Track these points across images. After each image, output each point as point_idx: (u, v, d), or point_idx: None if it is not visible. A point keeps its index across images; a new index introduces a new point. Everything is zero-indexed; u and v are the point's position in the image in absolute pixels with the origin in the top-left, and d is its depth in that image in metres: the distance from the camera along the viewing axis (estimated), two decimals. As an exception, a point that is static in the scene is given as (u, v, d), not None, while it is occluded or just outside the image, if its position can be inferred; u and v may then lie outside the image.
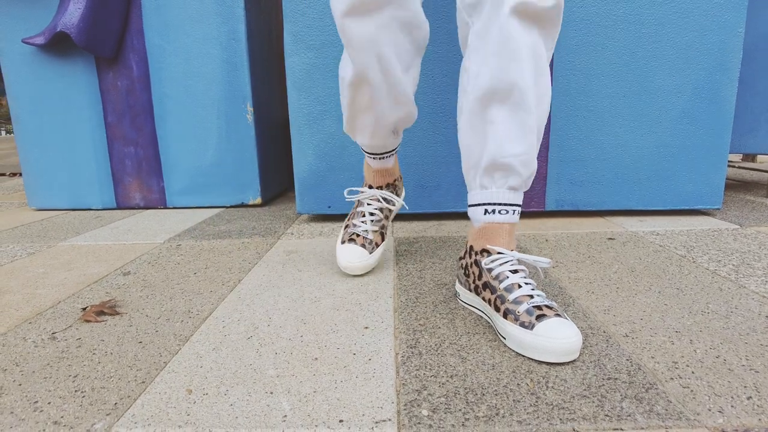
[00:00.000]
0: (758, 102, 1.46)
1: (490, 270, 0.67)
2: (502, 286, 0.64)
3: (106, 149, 1.56)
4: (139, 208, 1.61)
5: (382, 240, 0.90)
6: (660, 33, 1.17)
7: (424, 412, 0.47)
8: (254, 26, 1.50)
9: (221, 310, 0.74)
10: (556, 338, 0.55)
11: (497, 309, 0.63)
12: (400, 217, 1.35)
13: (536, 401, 0.48)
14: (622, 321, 0.66)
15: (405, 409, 0.48)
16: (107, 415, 0.48)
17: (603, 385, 0.51)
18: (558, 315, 0.58)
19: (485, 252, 0.68)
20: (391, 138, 0.85)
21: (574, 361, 0.55)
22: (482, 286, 0.67)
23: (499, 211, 0.69)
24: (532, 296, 0.61)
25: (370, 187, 0.91)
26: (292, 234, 1.19)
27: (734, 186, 1.82)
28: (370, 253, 0.86)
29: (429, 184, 1.26)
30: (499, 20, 0.62)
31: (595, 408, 0.47)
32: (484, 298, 0.67)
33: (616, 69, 1.19)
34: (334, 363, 0.57)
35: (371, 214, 0.89)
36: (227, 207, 1.58)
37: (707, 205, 1.27)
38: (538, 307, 0.59)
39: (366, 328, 0.66)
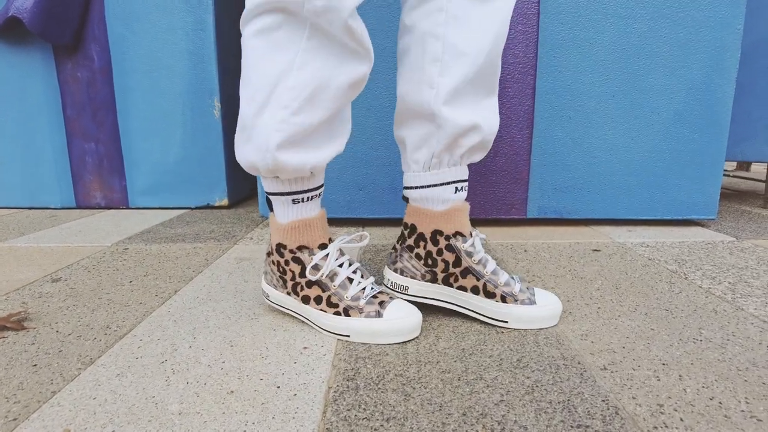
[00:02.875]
0: (756, 107, 1.38)
1: (470, 254, 0.63)
2: (489, 270, 0.63)
3: (65, 145, 1.46)
4: (100, 208, 1.51)
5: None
6: (653, 28, 1.08)
7: (344, 471, 0.37)
8: (223, 16, 1.41)
9: (143, 327, 0.64)
10: (547, 305, 0.62)
11: (488, 293, 0.62)
12: (370, 222, 1.25)
13: (487, 456, 0.39)
14: (600, 350, 0.57)
15: (321, 466, 0.38)
16: (-52, 466, 0.39)
17: (571, 434, 0.41)
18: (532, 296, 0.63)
19: (459, 235, 0.63)
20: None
21: (542, 399, 0.46)
22: (460, 274, 0.63)
23: (463, 189, 0.65)
24: (513, 277, 0.65)
25: (323, 246, 0.61)
26: (251, 239, 1.10)
27: (728, 195, 1.74)
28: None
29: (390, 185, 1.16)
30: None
31: (558, 467, 0.38)
32: (463, 287, 0.63)
33: (604, 67, 1.10)
34: (251, 398, 0.47)
35: (354, 272, 0.62)
36: (192, 208, 1.48)
37: (701, 215, 1.18)
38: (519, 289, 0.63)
39: (305, 348, 0.57)
